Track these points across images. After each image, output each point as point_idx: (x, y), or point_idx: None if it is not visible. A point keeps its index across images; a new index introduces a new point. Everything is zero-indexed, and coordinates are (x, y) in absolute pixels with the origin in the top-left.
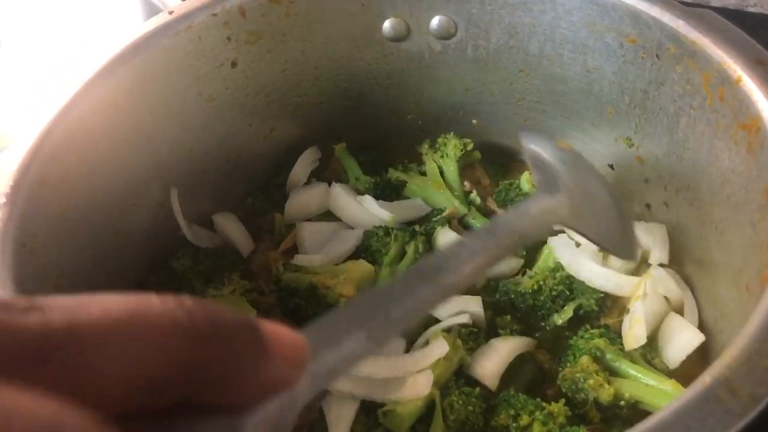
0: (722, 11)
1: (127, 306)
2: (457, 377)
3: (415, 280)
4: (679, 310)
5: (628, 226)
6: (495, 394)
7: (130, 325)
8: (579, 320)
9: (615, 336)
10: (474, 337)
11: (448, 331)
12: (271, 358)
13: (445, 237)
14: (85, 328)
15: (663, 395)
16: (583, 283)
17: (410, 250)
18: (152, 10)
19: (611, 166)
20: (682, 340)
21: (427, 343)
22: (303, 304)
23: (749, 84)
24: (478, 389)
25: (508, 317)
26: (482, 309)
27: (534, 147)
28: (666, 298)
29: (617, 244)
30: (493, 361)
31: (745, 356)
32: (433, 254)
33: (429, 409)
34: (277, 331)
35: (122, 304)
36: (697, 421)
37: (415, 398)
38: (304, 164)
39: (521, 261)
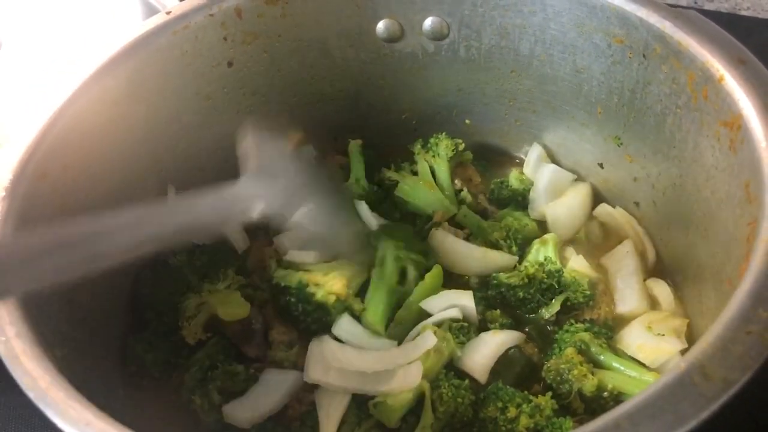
0: (715, 15)
1: None
2: (447, 370)
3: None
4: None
5: (348, 224)
6: (484, 387)
7: None
8: (566, 313)
9: (600, 329)
10: (464, 331)
11: (439, 325)
12: None
13: (441, 238)
14: None
15: (645, 386)
16: (572, 277)
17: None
18: (151, 11)
19: (601, 165)
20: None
21: (418, 335)
22: (293, 302)
23: (731, 82)
24: (467, 381)
25: (498, 312)
26: (474, 304)
27: (255, 137)
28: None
29: (336, 239)
30: (483, 354)
31: (719, 343)
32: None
33: (419, 401)
34: None
35: None
36: (671, 404)
37: (405, 390)
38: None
39: (516, 258)
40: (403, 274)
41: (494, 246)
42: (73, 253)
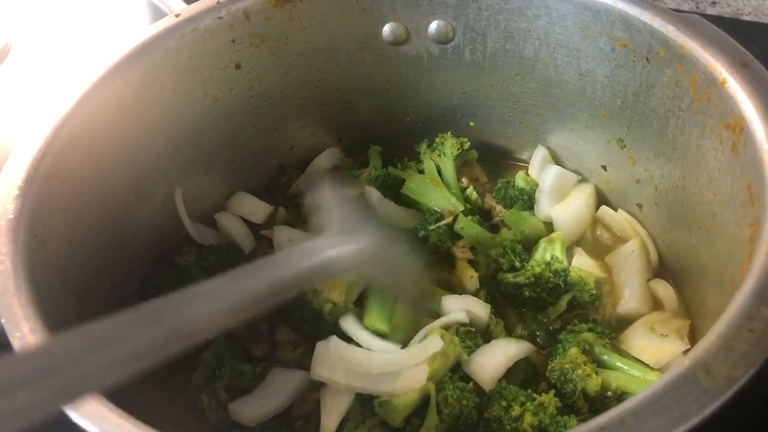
0: (717, 19)
1: None
2: (453, 372)
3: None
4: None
5: (422, 282)
6: None
7: None
8: (571, 312)
9: (603, 330)
10: (471, 336)
11: (446, 328)
12: None
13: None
14: None
15: (649, 386)
16: (579, 276)
17: None
18: (158, 14)
19: (604, 167)
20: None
21: (425, 338)
22: (290, 308)
23: (734, 85)
24: (471, 384)
25: (514, 319)
26: (482, 309)
27: (333, 192)
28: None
29: (409, 295)
30: (493, 365)
31: (722, 341)
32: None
33: (424, 402)
34: None
35: None
36: (675, 401)
37: (410, 390)
38: (327, 158)
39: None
40: None
41: (494, 262)
42: (147, 334)
